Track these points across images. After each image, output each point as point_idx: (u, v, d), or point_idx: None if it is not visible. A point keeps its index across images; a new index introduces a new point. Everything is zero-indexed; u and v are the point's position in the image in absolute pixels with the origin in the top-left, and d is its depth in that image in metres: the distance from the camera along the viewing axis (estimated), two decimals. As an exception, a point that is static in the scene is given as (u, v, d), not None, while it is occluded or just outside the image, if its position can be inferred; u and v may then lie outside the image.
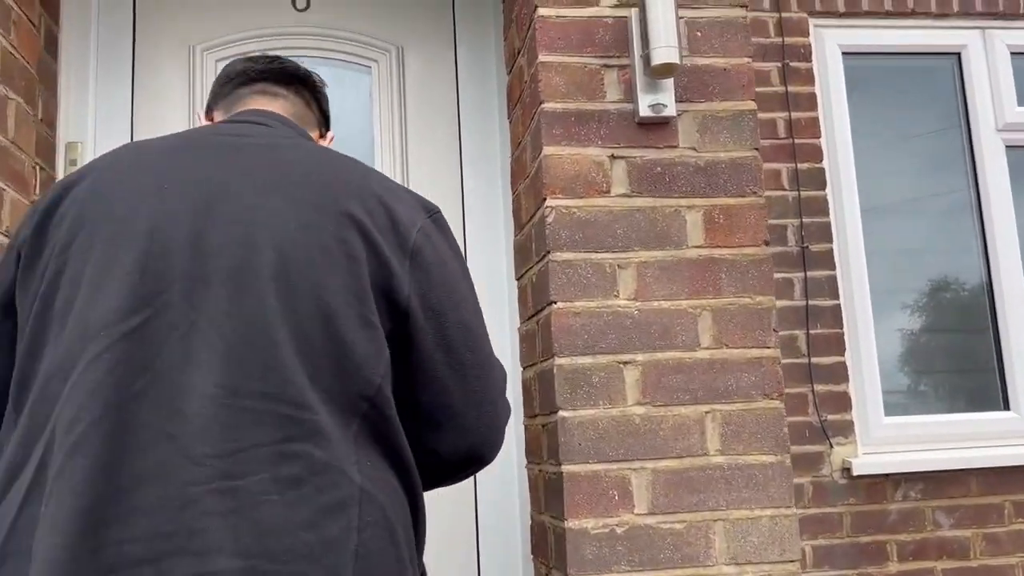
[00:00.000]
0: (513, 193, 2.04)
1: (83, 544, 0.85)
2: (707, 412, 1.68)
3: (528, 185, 1.85)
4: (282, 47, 2.39)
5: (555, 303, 1.68)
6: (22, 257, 1.06)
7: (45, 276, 1.02)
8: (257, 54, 1.49)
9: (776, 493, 1.66)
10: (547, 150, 1.72)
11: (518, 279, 2.00)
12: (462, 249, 2.27)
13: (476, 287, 2.01)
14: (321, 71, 2.42)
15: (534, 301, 1.84)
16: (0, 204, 1.77)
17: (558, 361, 1.66)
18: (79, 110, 2.29)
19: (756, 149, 1.78)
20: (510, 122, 2.07)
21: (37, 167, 2.00)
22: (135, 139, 2.29)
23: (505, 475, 2.27)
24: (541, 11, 1.76)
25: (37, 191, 1.99)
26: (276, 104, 1.31)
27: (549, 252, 1.69)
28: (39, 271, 1.03)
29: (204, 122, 1.36)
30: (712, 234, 1.74)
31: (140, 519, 0.88)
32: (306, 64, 2.35)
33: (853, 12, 3.05)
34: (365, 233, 1.04)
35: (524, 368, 1.96)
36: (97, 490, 0.88)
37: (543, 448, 1.79)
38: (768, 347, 1.71)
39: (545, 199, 1.70)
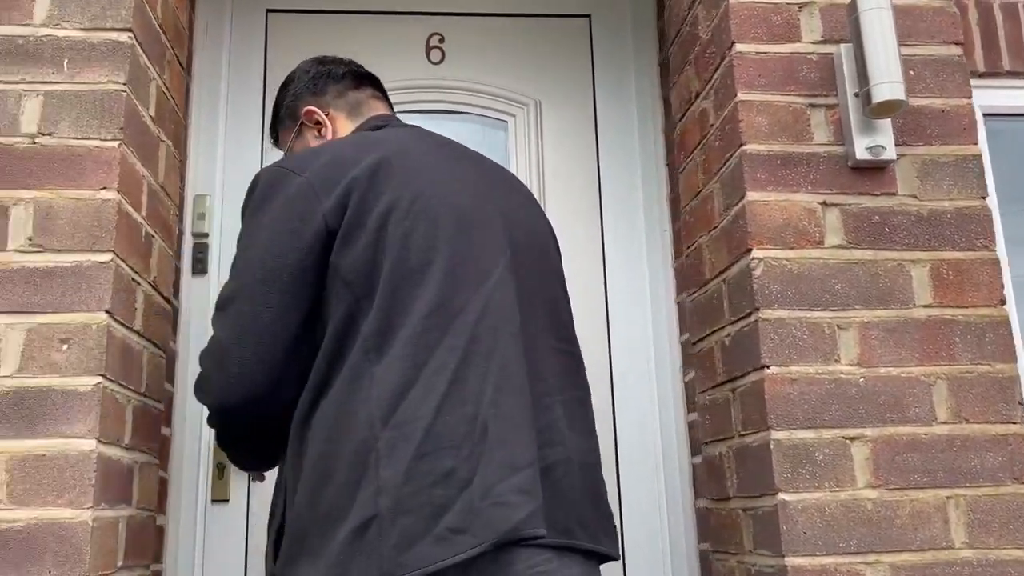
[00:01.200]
0: (688, 246, 1.86)
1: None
2: (949, 497, 1.45)
3: (718, 236, 1.67)
4: (415, 100, 2.31)
5: (768, 367, 1.48)
6: (327, 224, 1.26)
7: (385, 240, 1.25)
8: (330, 55, 1.67)
9: (1036, 598, 1.42)
10: (751, 196, 1.54)
11: (698, 341, 1.80)
12: (604, 303, 2.17)
13: (617, 343, 2.17)
14: (456, 125, 2.37)
15: (727, 366, 1.64)
16: (149, 252, 1.63)
17: (775, 435, 1.45)
18: (208, 163, 2.19)
19: (983, 198, 1.59)
20: (681, 171, 1.90)
21: (176, 216, 1.87)
22: None
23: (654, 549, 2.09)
24: (739, 47, 1.61)
25: (175, 241, 1.86)
26: (388, 109, 1.63)
27: (758, 309, 1.50)
28: (363, 236, 1.25)
29: (320, 115, 1.55)
30: (941, 292, 1.54)
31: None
32: (441, 118, 2.35)
33: (993, 73, 2.88)
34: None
35: (709, 443, 1.75)
36: (525, 379, 1.28)
37: (745, 537, 1.56)
38: (1015, 422, 1.49)
39: (750, 250, 1.52)
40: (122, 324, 1.48)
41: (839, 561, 1.41)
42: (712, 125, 1.71)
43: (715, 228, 1.69)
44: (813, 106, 1.60)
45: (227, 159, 2.22)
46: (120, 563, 1.47)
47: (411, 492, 1.19)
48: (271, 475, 1.44)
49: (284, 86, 1.64)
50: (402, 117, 1.60)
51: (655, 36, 2.37)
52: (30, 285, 1.41)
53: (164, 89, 1.73)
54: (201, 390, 1.38)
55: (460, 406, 1.21)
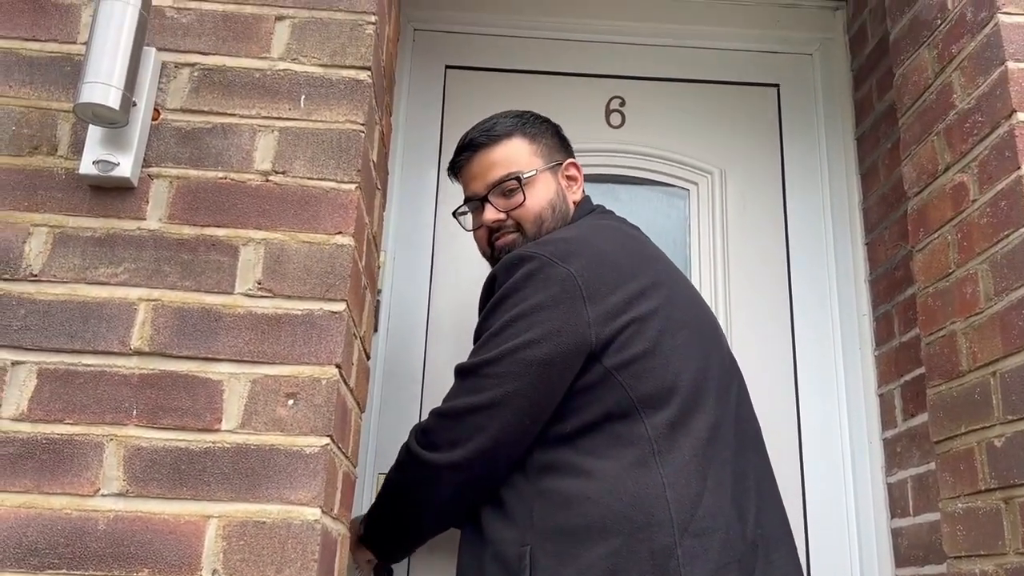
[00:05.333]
0: (930, 334, 1.69)
1: None
2: None
3: (986, 323, 1.51)
4: (595, 163, 2.24)
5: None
6: (592, 308, 1.38)
7: (634, 328, 1.38)
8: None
9: None
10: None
11: (944, 440, 1.62)
12: (793, 399, 2.03)
13: (814, 444, 2.10)
14: (634, 191, 2.28)
15: (997, 471, 1.46)
16: (363, 305, 1.53)
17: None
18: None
19: None
20: (920, 249, 1.75)
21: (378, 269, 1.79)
22: (435, 254, 2.16)
23: None
24: (1020, 116, 1.48)
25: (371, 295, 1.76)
26: None
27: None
28: (624, 323, 1.38)
29: (572, 171, 1.75)
30: None
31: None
32: (619, 184, 2.27)
33: None
34: None
35: (960, 557, 1.55)
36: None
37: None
38: None
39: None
40: (343, 380, 1.37)
41: None
42: (975, 201, 1.57)
43: (979, 313, 1.53)
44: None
45: (401, 215, 2.16)
46: (324, 650, 1.32)
47: None
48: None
49: (538, 119, 1.72)
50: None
51: (851, 109, 2.30)
52: (257, 332, 1.32)
53: (383, 135, 1.66)
54: (437, 444, 1.42)
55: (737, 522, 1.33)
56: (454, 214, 1.81)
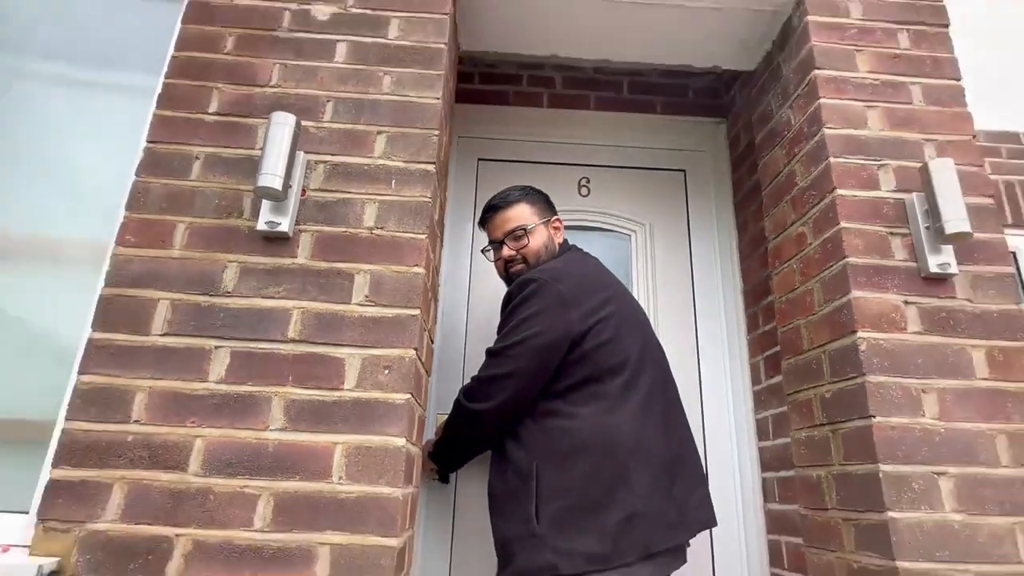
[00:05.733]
0: (783, 326, 1.70)
1: None
2: (1015, 523, 1.24)
3: (818, 320, 1.52)
4: (571, 218, 2.21)
5: (875, 417, 1.30)
6: (574, 311, 1.35)
7: (600, 325, 1.35)
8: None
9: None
10: (856, 294, 1.40)
11: (793, 393, 1.63)
12: (696, 366, 2.01)
13: (708, 393, 2.01)
14: (598, 236, 2.26)
15: (828, 413, 1.47)
16: (429, 309, 1.53)
17: (883, 468, 1.27)
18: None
19: (1019, 303, 1.42)
20: (776, 273, 1.76)
21: (437, 286, 1.77)
22: (471, 277, 2.12)
23: (732, 536, 1.88)
24: (840, 192, 1.49)
25: (434, 303, 1.76)
26: None
27: (865, 374, 1.34)
28: (594, 321, 1.36)
29: (556, 224, 1.67)
30: (995, 369, 1.36)
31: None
32: (588, 233, 2.25)
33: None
34: None
35: (804, 467, 1.56)
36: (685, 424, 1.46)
37: (846, 538, 1.36)
38: (1059, 468, 1.29)
39: (855, 332, 1.37)
40: (418, 358, 1.37)
41: (936, 567, 1.22)
42: (810, 243, 1.57)
43: (814, 314, 1.54)
44: (892, 234, 1.46)
45: (450, 253, 2.14)
46: (407, 525, 1.33)
47: (653, 499, 1.21)
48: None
49: (536, 191, 1.67)
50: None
51: (730, 185, 2.27)
52: (366, 328, 1.32)
53: (441, 204, 1.66)
54: (476, 397, 1.38)
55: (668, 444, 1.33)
56: (482, 251, 1.78)
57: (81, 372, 1.25)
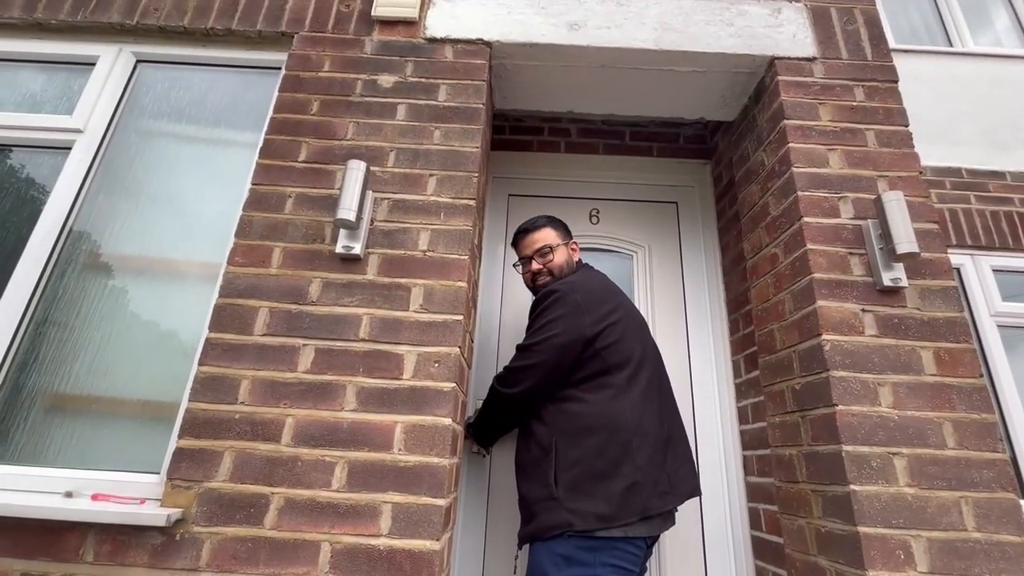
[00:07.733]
0: (760, 330, 1.68)
1: None
2: (960, 497, 1.21)
3: (789, 325, 1.51)
4: (584, 242, 2.21)
5: (837, 405, 1.29)
6: (588, 317, 1.33)
7: (609, 328, 1.33)
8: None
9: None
10: (820, 303, 1.39)
11: (768, 385, 1.61)
12: (688, 363, 1.99)
13: (697, 386, 1.92)
14: (605, 256, 2.27)
15: (798, 402, 1.45)
16: (471, 314, 1.56)
17: (845, 448, 1.25)
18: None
19: (961, 311, 1.39)
20: (753, 286, 1.74)
21: (476, 298, 1.80)
22: (504, 289, 2.12)
23: (718, 504, 1.83)
24: (807, 219, 1.48)
25: (474, 310, 1.78)
26: None
27: (829, 370, 1.32)
28: (604, 325, 1.34)
29: (574, 245, 1.61)
30: (942, 367, 1.33)
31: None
32: (598, 253, 2.26)
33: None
34: None
35: (778, 446, 1.54)
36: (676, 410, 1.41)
37: (814, 507, 1.34)
38: (997, 452, 1.25)
39: (820, 335, 1.36)
40: (462, 354, 1.40)
41: (893, 532, 1.19)
42: (782, 262, 1.56)
43: (785, 320, 1.52)
44: (851, 254, 1.45)
45: (487, 269, 2.16)
46: (453, 488, 1.35)
47: (650, 471, 1.21)
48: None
49: (556, 219, 1.66)
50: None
51: (714, 214, 2.26)
52: (420, 330, 1.36)
53: (480, 231, 1.70)
54: (507, 384, 1.38)
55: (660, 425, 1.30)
56: (513, 266, 1.76)
57: (200, 364, 1.31)
